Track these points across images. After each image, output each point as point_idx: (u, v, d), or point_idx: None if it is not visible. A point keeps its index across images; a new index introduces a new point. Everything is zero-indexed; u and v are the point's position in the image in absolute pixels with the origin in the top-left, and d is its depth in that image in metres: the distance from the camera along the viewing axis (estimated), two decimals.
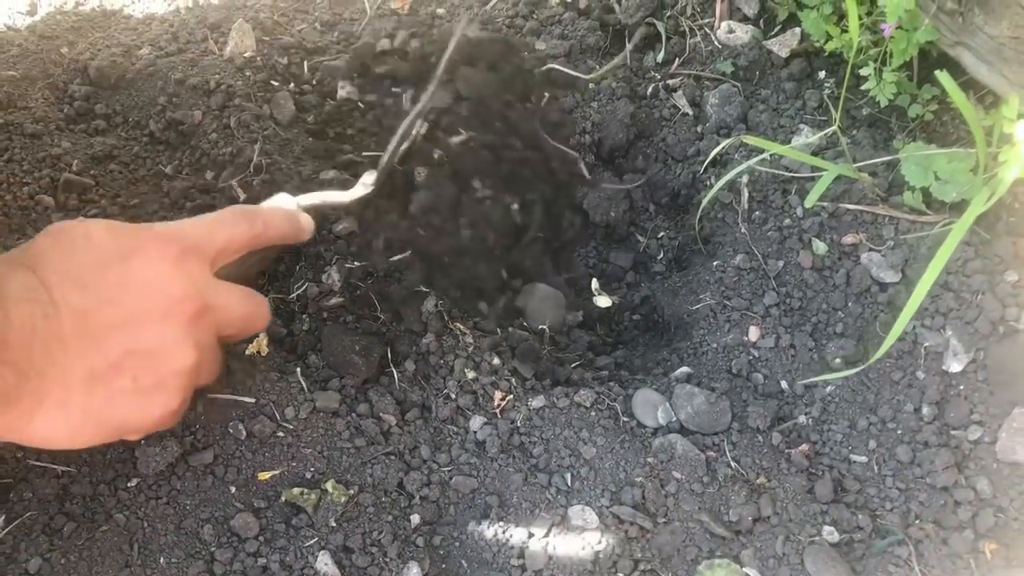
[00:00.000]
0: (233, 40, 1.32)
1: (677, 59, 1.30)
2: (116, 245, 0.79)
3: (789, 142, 1.16)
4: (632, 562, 0.90)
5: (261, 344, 1.00)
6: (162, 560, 0.86)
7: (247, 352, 1.00)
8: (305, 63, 1.32)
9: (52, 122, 1.25)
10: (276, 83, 1.29)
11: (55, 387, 0.73)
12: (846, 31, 1.06)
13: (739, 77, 1.24)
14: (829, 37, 1.05)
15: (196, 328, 0.81)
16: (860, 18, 1.08)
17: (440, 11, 1.36)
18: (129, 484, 0.90)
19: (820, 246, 1.06)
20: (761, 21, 1.29)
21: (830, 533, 0.91)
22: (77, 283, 0.75)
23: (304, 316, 1.06)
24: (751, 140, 1.03)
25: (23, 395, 0.71)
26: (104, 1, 1.45)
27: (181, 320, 0.80)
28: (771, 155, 1.10)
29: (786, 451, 0.97)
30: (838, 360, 1.02)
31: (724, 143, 1.14)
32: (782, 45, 1.25)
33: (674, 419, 0.99)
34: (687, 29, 1.31)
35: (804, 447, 0.97)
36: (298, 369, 1.00)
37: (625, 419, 0.99)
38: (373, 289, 1.08)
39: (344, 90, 1.28)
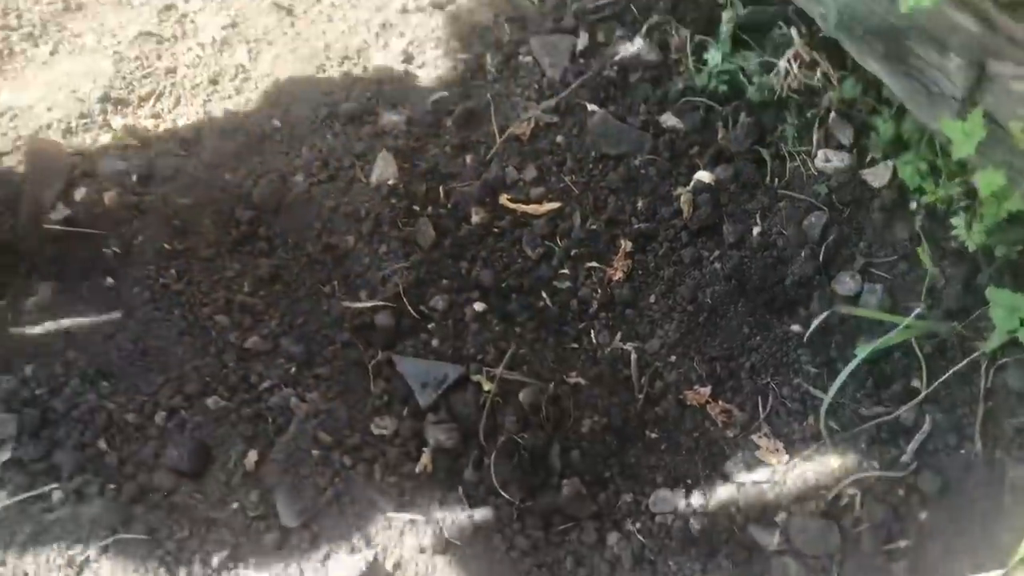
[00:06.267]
0: (378, 168, 1.48)
1: (777, 181, 1.43)
2: None
3: (878, 272, 1.29)
4: None
5: None
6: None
7: None
8: (441, 188, 1.47)
9: (223, 245, 1.42)
10: (417, 208, 1.45)
11: None
12: (940, 186, 1.17)
13: (832, 203, 1.37)
14: (924, 191, 1.16)
15: None
16: (952, 170, 1.19)
17: (559, 139, 1.51)
18: None
19: None
20: (855, 150, 1.41)
21: None
22: None
23: None
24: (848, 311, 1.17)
25: None
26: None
27: None
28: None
29: (888, 566, 1.11)
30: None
31: (820, 316, 1.28)
32: (876, 176, 1.36)
33: (787, 542, 1.13)
34: (787, 155, 1.44)
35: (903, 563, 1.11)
36: None
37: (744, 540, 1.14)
38: None
39: (477, 216, 1.43)
